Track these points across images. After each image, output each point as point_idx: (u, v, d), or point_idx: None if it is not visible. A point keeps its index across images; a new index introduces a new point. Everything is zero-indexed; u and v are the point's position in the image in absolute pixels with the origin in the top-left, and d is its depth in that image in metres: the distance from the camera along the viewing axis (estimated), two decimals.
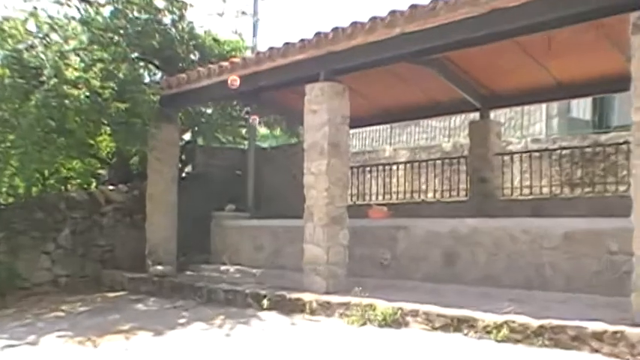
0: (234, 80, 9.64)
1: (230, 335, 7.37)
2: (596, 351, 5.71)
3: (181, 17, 13.18)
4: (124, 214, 13.22)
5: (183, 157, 14.66)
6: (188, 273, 11.94)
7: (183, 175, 14.78)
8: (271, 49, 9.39)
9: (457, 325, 6.67)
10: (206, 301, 9.60)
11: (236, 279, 10.89)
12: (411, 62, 9.87)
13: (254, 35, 15.45)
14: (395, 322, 7.16)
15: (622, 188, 11.00)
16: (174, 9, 12.94)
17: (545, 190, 12.47)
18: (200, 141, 15.70)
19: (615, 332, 5.66)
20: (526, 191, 12.26)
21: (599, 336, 5.74)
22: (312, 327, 7.55)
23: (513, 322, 6.26)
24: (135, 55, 12.22)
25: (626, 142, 10.31)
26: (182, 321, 8.35)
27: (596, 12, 7.19)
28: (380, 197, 14.56)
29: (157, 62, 13.12)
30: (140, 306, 9.80)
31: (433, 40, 8.09)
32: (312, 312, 8.10)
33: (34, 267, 11.70)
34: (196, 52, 13.44)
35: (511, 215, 10.02)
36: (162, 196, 11.89)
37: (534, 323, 6.13)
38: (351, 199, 13.74)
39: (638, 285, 5.98)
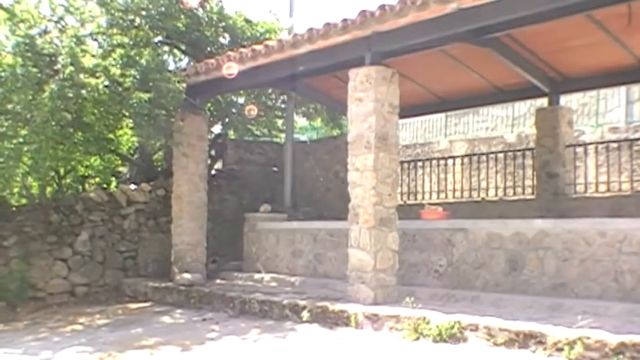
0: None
1: (266, 352, 7.39)
2: None
3: None
4: (148, 217, 13.38)
5: (213, 152, 14.80)
6: (218, 282, 12.03)
7: (213, 172, 14.94)
8: (310, 30, 9.40)
9: (523, 340, 6.60)
10: (239, 313, 9.66)
11: (272, 288, 10.95)
12: (469, 43, 9.83)
13: (290, 15, 15.50)
14: (452, 336, 7.12)
15: None
16: None
17: (625, 186, 12.30)
18: (231, 134, 15.82)
19: None
20: (603, 188, 12.10)
21: None
22: (358, 342, 7.54)
23: (588, 338, 6.16)
24: (158, 39, 12.39)
25: None
26: (212, 335, 8.42)
27: None
28: (434, 196, 14.50)
29: (182, 47, 13.27)
30: (165, 318, 9.91)
31: (494, 17, 8.04)
32: (358, 325, 8.10)
33: (48, 275, 11.89)
34: (226, 35, 13.55)
35: (585, 215, 9.89)
36: (190, 196, 12.01)
37: (613, 340, 6.03)
38: (401, 198, 13.74)
39: None
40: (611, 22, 9.49)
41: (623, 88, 15.56)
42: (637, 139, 12.72)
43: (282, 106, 15.08)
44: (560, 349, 6.26)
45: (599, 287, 7.97)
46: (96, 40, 11.05)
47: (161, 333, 8.69)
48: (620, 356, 5.92)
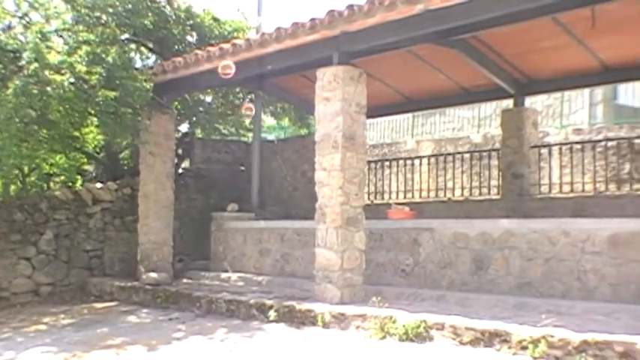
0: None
1: (233, 351, 7.37)
2: None
3: None
4: (114, 215, 13.28)
5: (180, 151, 14.72)
6: (185, 281, 11.98)
7: (180, 171, 14.87)
8: (278, 29, 9.38)
9: (488, 339, 6.65)
10: (205, 313, 9.63)
11: (239, 288, 10.92)
12: (436, 44, 9.88)
13: (259, 14, 15.47)
14: (418, 335, 7.14)
15: None
16: None
17: (589, 187, 12.41)
18: (199, 133, 15.75)
19: None
20: (566, 188, 12.20)
21: None
22: (325, 341, 7.54)
23: (552, 336, 6.22)
24: (125, 36, 12.26)
25: None
26: (179, 335, 8.38)
27: None
28: (401, 195, 14.54)
29: (149, 45, 13.18)
30: (132, 318, 9.84)
31: (461, 18, 8.10)
32: (325, 324, 8.11)
33: (12, 274, 11.75)
34: (194, 33, 13.47)
35: (549, 216, 9.99)
36: (157, 195, 11.93)
37: (576, 338, 6.09)
38: (369, 198, 13.77)
39: None
40: (576, 26, 9.60)
41: (586, 91, 15.77)
42: (600, 141, 12.85)
43: (250, 105, 15.01)
44: (525, 348, 6.31)
45: (562, 286, 8.06)
46: (61, 36, 10.90)
47: (127, 332, 8.61)
48: (583, 354, 5.98)
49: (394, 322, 7.38)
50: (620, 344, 5.86)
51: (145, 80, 10.78)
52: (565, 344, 6.12)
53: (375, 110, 11.46)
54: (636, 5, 8.57)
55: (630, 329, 6.22)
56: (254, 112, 9.29)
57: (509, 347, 6.45)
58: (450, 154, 14.68)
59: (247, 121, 15.54)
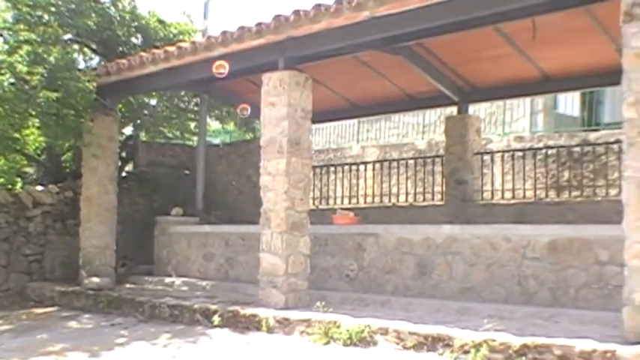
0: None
1: (176, 356, 7.29)
2: None
3: None
4: (55, 219, 13.00)
5: (124, 154, 14.54)
6: (128, 286, 11.82)
7: (124, 174, 14.67)
8: (224, 33, 9.34)
9: (431, 343, 6.70)
10: (148, 318, 9.51)
11: (183, 292, 10.83)
12: (382, 50, 9.94)
13: (205, 17, 15.42)
14: (362, 340, 7.16)
15: (613, 192, 11.19)
16: None
17: (529, 193, 12.64)
18: (143, 136, 15.58)
19: (605, 351, 5.74)
20: (508, 195, 12.40)
21: (587, 355, 5.80)
22: (268, 346, 7.52)
23: (493, 340, 6.29)
24: (68, 36, 12.09)
25: (617, 142, 10.50)
26: (121, 340, 8.23)
27: None
28: (346, 201, 14.60)
29: (93, 46, 12.99)
30: (73, 324, 9.65)
31: (406, 26, 8.16)
32: (269, 329, 8.08)
33: None
34: (139, 35, 13.31)
35: (491, 222, 10.14)
36: (99, 199, 11.76)
37: (516, 342, 6.17)
38: (314, 203, 13.76)
39: (630, 299, 6.08)
40: (518, 36, 9.76)
41: (528, 99, 15.97)
42: (540, 149, 13.07)
43: (196, 108, 14.91)
44: (467, 352, 6.37)
45: (504, 291, 8.18)
46: (1, 35, 10.71)
47: (68, 338, 8.44)
48: (523, 358, 6.06)
49: (338, 327, 7.39)
50: (558, 347, 5.95)
51: (89, 81, 10.63)
52: (506, 348, 6.20)
53: (321, 115, 11.47)
54: (575, 18, 8.78)
55: (569, 333, 6.34)
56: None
57: (452, 351, 6.50)
58: (394, 160, 14.76)
59: (192, 125, 15.38)
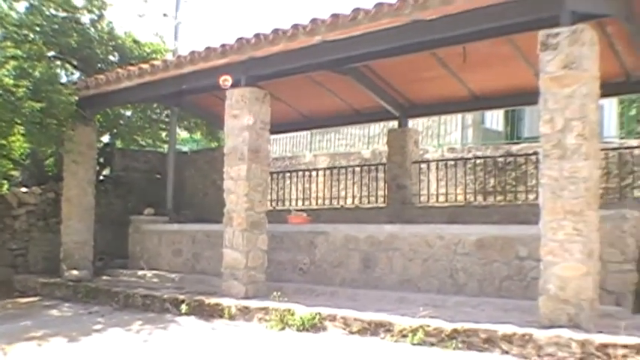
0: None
1: (148, 341, 7.20)
2: (506, 352, 5.89)
3: (101, 17, 12.97)
4: (38, 218, 12.79)
5: (101, 159, 14.33)
6: (105, 278, 11.64)
7: (101, 178, 14.45)
8: (193, 52, 9.29)
9: (374, 329, 6.76)
10: (123, 307, 9.39)
11: (154, 284, 10.72)
12: (332, 71, 9.97)
13: (175, 38, 15.31)
14: (313, 326, 7.20)
15: (531, 197, 11.36)
16: (94, 8, 12.71)
17: (460, 197, 12.77)
18: (119, 143, 15.39)
19: (524, 335, 5.86)
20: (442, 199, 12.49)
21: (508, 338, 5.92)
22: (231, 332, 7.50)
23: (428, 326, 6.38)
24: (51, 53, 11.91)
25: (535, 153, 10.66)
26: (98, 327, 8.11)
27: (508, 28, 7.50)
28: (300, 203, 14.56)
29: (74, 62, 12.80)
30: (54, 312, 9.46)
31: (354, 49, 8.20)
32: (231, 317, 8.06)
33: None
34: (116, 53, 13.19)
35: (427, 222, 10.20)
36: (79, 199, 11.59)
37: (448, 327, 6.27)
38: (271, 205, 13.71)
39: (545, 289, 6.22)
40: (451, 60, 9.86)
41: (459, 115, 16.13)
42: (470, 159, 13.20)
43: (166, 119, 14.79)
44: (405, 336, 6.44)
45: (438, 282, 8.26)
46: None
47: (49, 325, 8.26)
48: (454, 340, 6.16)
49: (292, 314, 7.40)
50: (484, 332, 6.06)
51: (70, 94, 10.49)
52: (439, 332, 6.29)
53: (278, 127, 11.44)
54: (500, 46, 8.91)
55: (493, 319, 6.45)
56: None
57: (392, 335, 6.56)
58: (343, 167, 14.77)
59: (164, 134, 15.22)
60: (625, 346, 5.34)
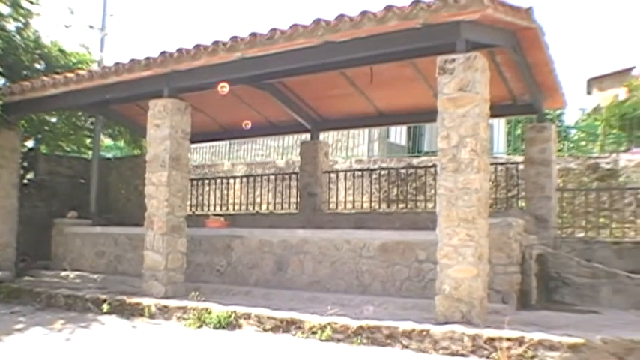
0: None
1: (70, 339, 6.92)
2: (406, 347, 5.99)
3: (27, 25, 12.45)
4: None
5: (26, 164, 13.74)
6: (27, 279, 11.12)
7: (25, 181, 13.86)
8: (117, 64, 9.05)
9: (286, 326, 6.74)
10: (45, 307, 9.00)
11: (77, 284, 10.33)
12: (250, 85, 9.96)
13: (101, 50, 14.86)
14: (229, 324, 7.12)
15: (430, 205, 11.63)
16: (20, 16, 12.20)
17: (366, 205, 12.90)
18: (44, 149, 14.80)
19: (422, 330, 5.97)
20: (349, 206, 12.61)
21: (408, 334, 6.02)
22: (151, 330, 7.32)
23: (336, 323, 6.41)
24: None
25: (434, 166, 10.91)
26: (20, 326, 7.72)
27: (410, 52, 7.71)
28: (218, 208, 14.41)
29: None
30: None
31: (271, 66, 8.18)
32: (152, 315, 7.87)
33: None
34: (42, 62, 12.68)
35: (336, 227, 10.27)
36: (2, 202, 11.06)
37: (354, 324, 6.32)
38: (190, 210, 13.50)
39: (441, 289, 6.37)
40: (359, 80, 9.99)
41: (366, 130, 16.29)
42: (375, 170, 13.38)
43: (91, 127, 14.34)
44: (315, 332, 6.45)
45: (345, 283, 8.32)
46: None
47: None
48: (359, 336, 6.22)
49: (209, 313, 7.30)
50: (386, 328, 6.14)
51: None
52: (346, 329, 6.33)
53: (198, 137, 11.30)
54: (404, 68, 9.12)
55: (395, 316, 6.55)
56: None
57: (303, 332, 6.56)
58: (258, 175, 14.70)
59: (88, 141, 14.74)
60: (509, 339, 5.54)
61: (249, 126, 8.98)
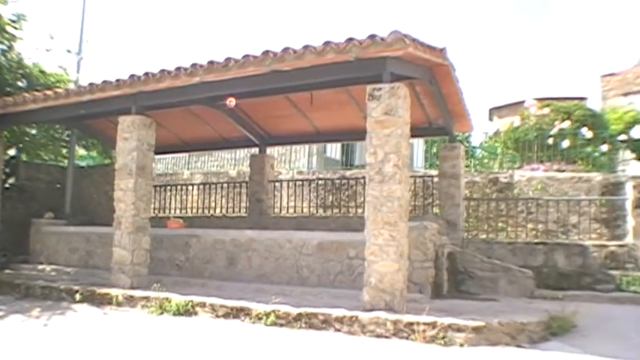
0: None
1: (47, 325, 6.60)
2: (339, 330, 5.94)
3: (11, 48, 12.03)
4: None
5: (8, 170, 13.10)
6: (7, 272, 10.62)
7: (7, 185, 13.19)
8: (91, 84, 8.75)
9: (236, 313, 6.60)
10: (24, 296, 8.60)
11: (52, 277, 9.87)
12: (208, 105, 9.78)
13: (78, 71, 14.38)
14: (187, 311, 6.94)
15: (360, 210, 11.64)
16: (4, 40, 11.75)
17: (306, 210, 12.85)
18: (24, 157, 14.16)
19: (352, 317, 5.93)
20: (292, 210, 12.52)
21: (340, 319, 5.97)
22: (119, 316, 7.07)
23: (279, 310, 6.31)
24: None
25: (363, 177, 10.96)
26: (0, 314, 7.32)
27: (345, 81, 7.73)
28: (177, 211, 14.07)
29: None
30: None
31: (225, 90, 8.05)
32: (119, 304, 7.60)
33: None
34: (24, 80, 12.21)
35: (279, 228, 10.17)
36: None
37: (294, 311, 6.23)
38: (154, 212, 13.11)
39: (368, 282, 6.34)
40: (301, 103, 9.94)
41: (307, 146, 16.28)
42: (313, 180, 13.34)
43: (67, 138, 13.82)
44: (261, 318, 6.35)
45: (287, 277, 8.21)
46: None
47: None
48: (299, 322, 6.14)
49: (170, 302, 7.10)
50: (322, 314, 6.09)
51: None
52: (287, 315, 6.24)
53: (162, 149, 10.99)
54: (339, 94, 9.13)
55: (329, 305, 6.48)
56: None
57: (250, 318, 6.44)
58: (213, 183, 14.45)
59: (64, 151, 14.16)
60: (425, 323, 5.56)
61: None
